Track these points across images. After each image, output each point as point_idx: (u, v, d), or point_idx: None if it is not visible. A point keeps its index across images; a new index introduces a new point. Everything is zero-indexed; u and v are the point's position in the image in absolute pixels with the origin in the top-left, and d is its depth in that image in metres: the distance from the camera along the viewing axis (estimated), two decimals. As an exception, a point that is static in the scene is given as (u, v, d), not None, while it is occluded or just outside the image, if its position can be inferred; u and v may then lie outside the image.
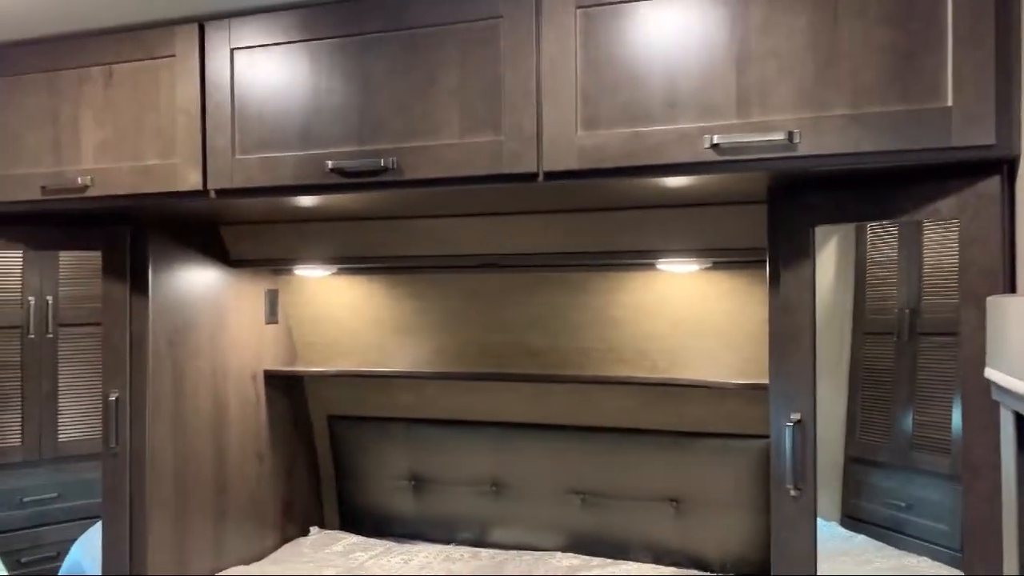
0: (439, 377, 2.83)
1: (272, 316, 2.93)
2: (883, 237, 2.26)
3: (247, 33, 2.01)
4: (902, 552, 2.17)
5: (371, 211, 2.39)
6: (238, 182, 2.01)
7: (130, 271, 2.39)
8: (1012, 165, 1.56)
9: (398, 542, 2.90)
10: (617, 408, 2.70)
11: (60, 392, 2.69)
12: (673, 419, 2.64)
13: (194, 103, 2.05)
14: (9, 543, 2.60)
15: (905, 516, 2.18)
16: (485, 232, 2.41)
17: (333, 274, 2.84)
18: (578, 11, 1.75)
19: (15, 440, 2.65)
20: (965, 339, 1.64)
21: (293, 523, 3.02)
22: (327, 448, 3.12)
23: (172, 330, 2.48)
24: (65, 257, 2.68)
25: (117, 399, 2.37)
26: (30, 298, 2.65)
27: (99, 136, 2.15)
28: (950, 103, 1.53)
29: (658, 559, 2.65)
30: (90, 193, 2.14)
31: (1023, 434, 1.36)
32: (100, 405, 2.38)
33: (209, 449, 2.62)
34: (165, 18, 2.08)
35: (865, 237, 2.30)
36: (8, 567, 2.59)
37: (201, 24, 2.05)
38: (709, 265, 2.42)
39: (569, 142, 1.75)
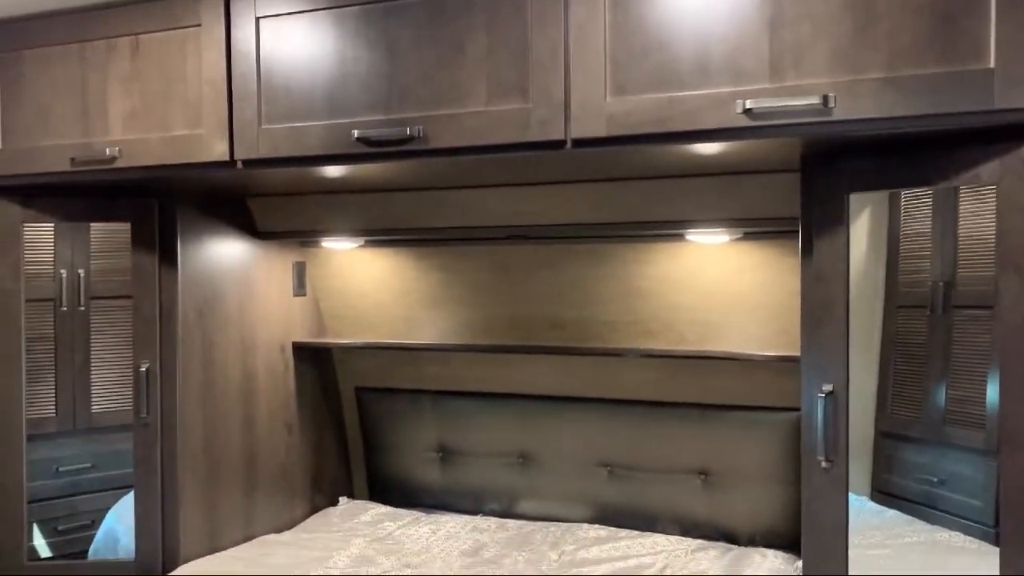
0: (466, 349, 2.82)
1: (300, 288, 2.93)
2: (917, 209, 2.22)
3: (272, 1, 1.99)
4: (934, 527, 2.15)
5: (398, 182, 2.38)
6: (264, 152, 2.00)
7: (159, 243, 2.40)
8: (1056, 128, 1.51)
9: (426, 512, 2.91)
10: (644, 380, 2.68)
11: (93, 364, 2.72)
12: (701, 392, 2.61)
13: (220, 73, 2.04)
14: (45, 512, 2.64)
15: (937, 491, 2.16)
16: (512, 203, 2.39)
17: (360, 246, 2.84)
18: (607, -26, 1.71)
19: (49, 411, 2.68)
20: (1004, 308, 1.60)
21: (322, 493, 3.05)
22: (355, 420, 3.14)
23: (201, 301, 2.49)
24: (96, 230, 2.70)
25: (147, 370, 2.40)
26: (62, 271, 2.67)
27: (127, 107, 2.16)
28: (992, 64, 1.48)
29: (686, 531, 2.64)
30: (118, 164, 2.15)
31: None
32: (132, 376, 2.41)
33: (238, 419, 2.65)
34: (191, -13, 2.07)
35: (898, 209, 2.26)
36: (44, 535, 2.64)
37: (226, -8, 2.04)
38: (739, 236, 2.38)
39: (598, 109, 1.72)
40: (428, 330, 2.90)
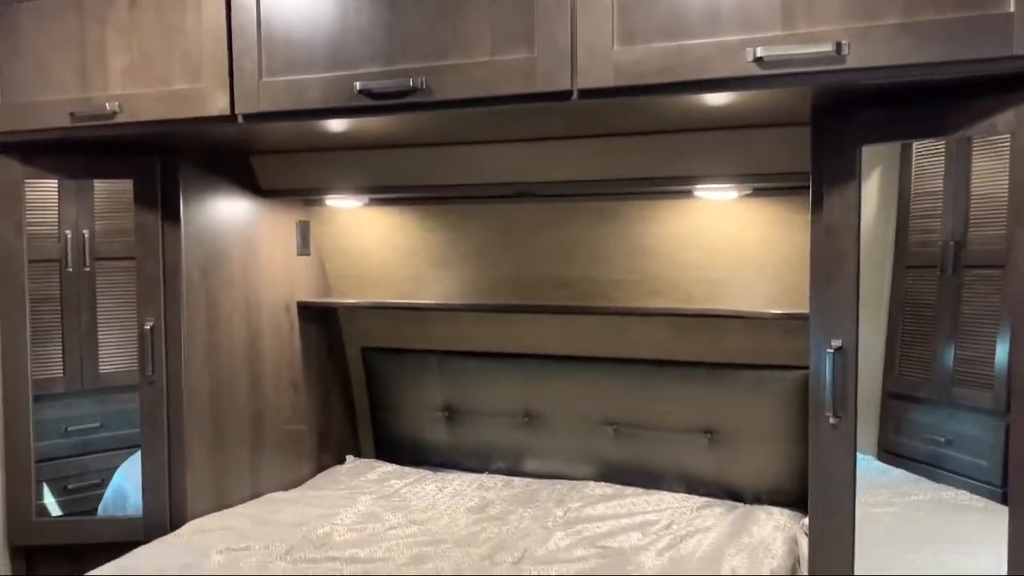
0: (472, 309, 2.81)
1: (304, 248, 2.92)
2: (928, 167, 2.18)
3: (272, -49, 1.95)
4: (940, 486, 2.15)
5: (401, 137, 2.35)
6: (265, 106, 1.97)
7: (161, 200, 2.39)
8: (1077, 76, 1.47)
9: (433, 471, 2.92)
10: (651, 340, 2.67)
11: (99, 324, 2.71)
12: (708, 350, 2.60)
13: (220, 25, 2.00)
14: (56, 471, 2.66)
15: (944, 451, 2.15)
16: (518, 159, 2.36)
17: (364, 205, 2.81)
18: (614, -82, 1.66)
19: (57, 372, 2.68)
20: (1016, 261, 1.57)
21: (329, 452, 3.06)
22: (362, 379, 3.14)
23: (205, 260, 2.48)
24: (100, 190, 2.68)
25: (152, 328, 2.39)
26: (67, 231, 2.65)
27: (125, 61, 2.13)
28: (1012, 9, 1.44)
29: (692, 489, 2.64)
30: (118, 119, 2.12)
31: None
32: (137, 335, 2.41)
33: (244, 378, 2.65)
34: (189, -65, 2.03)
35: (909, 168, 2.22)
36: (55, 494, 2.66)
37: (225, -59, 2.00)
38: (748, 192, 2.34)
39: (605, 58, 1.68)
40: (434, 290, 2.88)
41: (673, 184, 2.30)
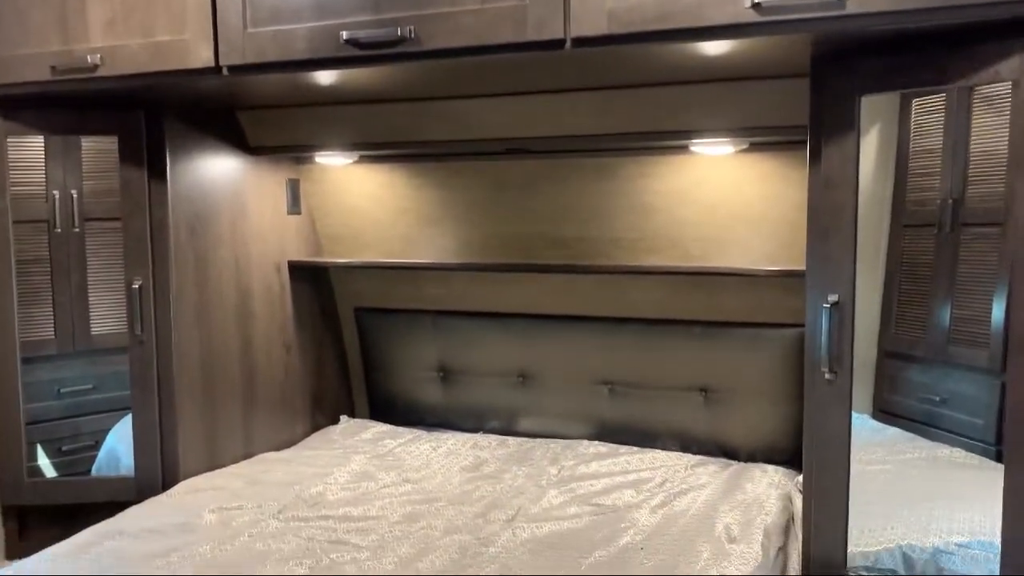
0: (465, 268, 2.78)
1: (294, 207, 2.88)
2: (927, 123, 2.16)
3: None
4: (935, 444, 2.15)
5: (392, 91, 2.29)
6: (250, 57, 1.91)
7: (147, 157, 2.34)
8: (1085, 20, 1.43)
9: (427, 431, 2.91)
10: (647, 298, 2.64)
11: (90, 286, 2.69)
12: (704, 309, 2.58)
13: (202, -29, 1.94)
14: (50, 432, 2.65)
15: (939, 410, 2.16)
16: (511, 113, 2.31)
17: (355, 162, 2.77)
18: None
19: (48, 333, 2.66)
20: (1016, 212, 1.54)
21: (323, 412, 3.05)
22: (355, 340, 3.12)
23: (193, 218, 2.44)
24: (88, 150, 2.63)
25: (140, 287, 2.36)
26: (54, 192, 2.62)
27: (106, 11, 2.06)
28: (1015, -50, 1.39)
29: (686, 447, 2.64)
30: (100, 73, 2.06)
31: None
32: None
33: (235, 338, 2.62)
34: None
35: (908, 125, 2.19)
36: (49, 456, 2.65)
37: None
38: (745, 146, 2.31)
39: (598, 4, 1.63)
40: (426, 249, 2.85)
41: (669, 139, 2.26)
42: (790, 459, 2.48)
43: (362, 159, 2.75)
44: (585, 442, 2.70)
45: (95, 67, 2.06)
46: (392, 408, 3.10)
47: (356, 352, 3.14)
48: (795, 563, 1.96)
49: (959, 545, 1.81)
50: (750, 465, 2.50)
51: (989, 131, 2.02)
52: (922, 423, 2.19)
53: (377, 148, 2.58)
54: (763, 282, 2.41)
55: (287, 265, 2.85)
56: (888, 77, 1.64)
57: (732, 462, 2.54)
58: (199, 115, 2.47)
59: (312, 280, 2.98)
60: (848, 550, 1.79)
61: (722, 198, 2.44)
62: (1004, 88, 1.67)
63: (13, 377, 2.40)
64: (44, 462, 2.64)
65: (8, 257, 2.36)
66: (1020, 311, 1.54)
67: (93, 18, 2.08)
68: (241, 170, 2.63)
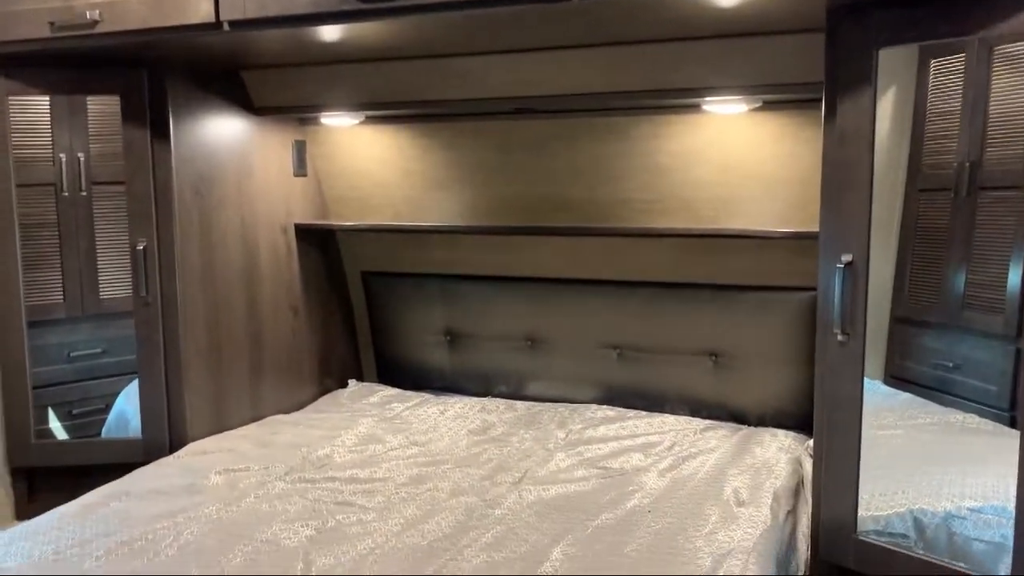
0: (472, 231, 2.75)
1: (300, 168, 2.84)
2: (945, 85, 2.10)
3: None
4: (948, 409, 2.13)
5: (397, 48, 2.25)
6: (251, 12, 1.87)
7: (150, 117, 2.31)
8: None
9: (435, 394, 2.90)
10: (657, 261, 2.61)
11: (98, 250, 2.67)
12: (715, 272, 2.54)
13: (202, -77, 1.90)
14: (61, 395, 2.65)
15: (952, 376, 2.13)
16: (519, 71, 2.26)
17: (361, 123, 2.73)
18: None
19: (57, 297, 2.65)
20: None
21: (331, 376, 3.04)
22: (363, 304, 3.10)
23: (197, 179, 2.42)
24: (94, 112, 2.60)
25: (145, 248, 2.35)
26: (61, 155, 2.59)
27: (105, -35, 2.02)
28: None
29: (695, 412, 2.62)
30: (100, 29, 2.02)
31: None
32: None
33: (242, 301, 2.61)
34: None
35: (925, 87, 2.14)
36: (60, 419, 2.65)
37: None
38: (758, 105, 2.25)
39: (607, -49, 1.58)
40: (433, 212, 2.82)
41: (681, 96, 2.20)
42: (800, 424, 2.45)
43: (368, 120, 2.71)
44: (593, 406, 2.69)
45: (94, 23, 2.02)
46: (400, 372, 3.08)
47: (364, 316, 3.13)
48: (804, 526, 1.94)
49: (971, 510, 1.79)
50: (760, 429, 2.48)
51: (1009, 92, 1.97)
52: (935, 389, 2.17)
53: (382, 107, 2.54)
54: (775, 244, 2.37)
55: (293, 228, 2.82)
56: (905, 29, 1.59)
57: (741, 426, 2.52)
58: (203, 75, 2.43)
59: (319, 243, 2.96)
60: (858, 514, 1.77)
61: (735, 158, 2.40)
62: (1025, 47, 1.62)
63: (19, 340, 2.40)
64: (56, 425, 2.64)
65: (11, 220, 2.35)
66: (1040, 271, 1.50)
67: (92, -28, 2.03)
68: (246, 131, 2.60)
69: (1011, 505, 1.55)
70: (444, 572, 1.63)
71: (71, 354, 2.70)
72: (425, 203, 2.82)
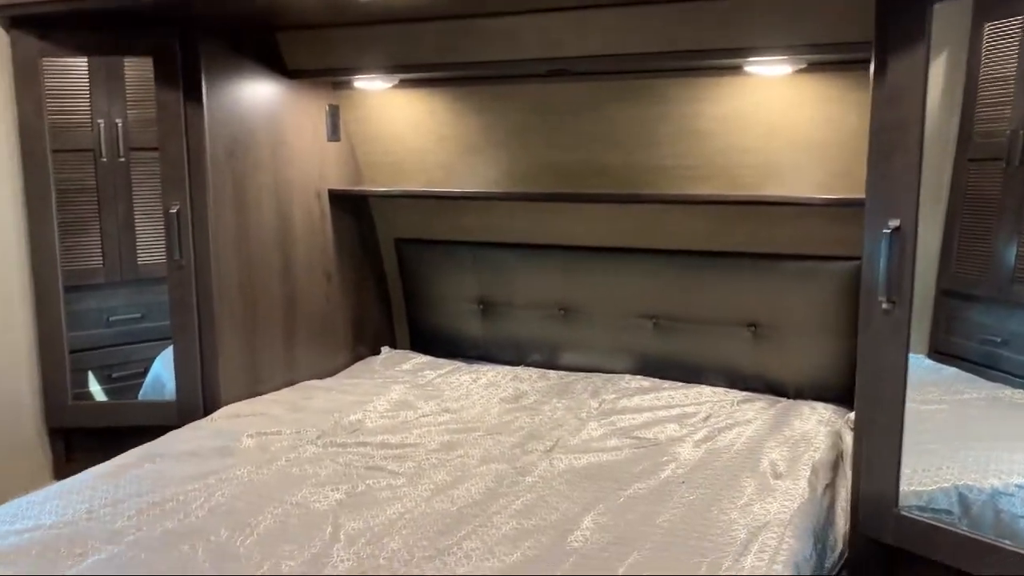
0: (506, 198, 2.71)
1: (334, 134, 2.82)
2: (999, 50, 2.01)
3: None
4: (995, 384, 2.06)
5: (432, 9, 2.21)
6: (284, -32, 1.84)
7: (183, 79, 2.30)
8: None
9: (467, 363, 2.89)
10: (695, 229, 2.55)
11: (136, 215, 2.68)
12: (754, 240, 2.48)
13: None
14: (100, 359, 2.68)
15: (1000, 351, 2.06)
16: (553, 31, 2.20)
17: (394, 86, 2.69)
18: None
19: (96, 262, 2.67)
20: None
21: (364, 343, 3.03)
22: (395, 271, 3.09)
23: (231, 142, 2.40)
24: (131, 79, 2.59)
25: (178, 211, 2.34)
26: (99, 121, 2.59)
27: (136, -76, 2.00)
28: None
29: (732, 383, 2.57)
30: (132, -14, 2.01)
31: None
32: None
33: (276, 266, 2.60)
34: None
35: (979, 52, 2.05)
36: (100, 382, 2.68)
37: None
38: (803, 66, 2.17)
39: (647, -98, 1.52)
40: (467, 178, 2.78)
41: (723, 57, 2.13)
42: (840, 396, 2.39)
43: (401, 84, 2.67)
44: (628, 376, 2.65)
45: (126, -20, 2.01)
46: (433, 340, 3.07)
47: (397, 283, 3.11)
48: (843, 500, 1.89)
49: (1019, 487, 1.73)
50: (799, 402, 2.42)
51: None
52: (981, 364, 2.10)
53: (416, 70, 2.50)
54: (816, 212, 2.29)
55: (327, 193, 2.81)
56: (964, -20, 1.51)
57: (780, 399, 2.47)
58: (236, 36, 2.41)
59: (352, 209, 2.94)
60: (900, 489, 1.71)
61: (779, 123, 2.32)
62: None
63: (56, 304, 2.42)
64: (96, 388, 2.68)
65: (48, 185, 2.36)
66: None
67: (123, -70, 2.02)
68: (280, 94, 2.58)
69: (1063, 482, 1.49)
70: (473, 538, 1.62)
71: (110, 319, 2.72)
72: (458, 168, 2.79)
